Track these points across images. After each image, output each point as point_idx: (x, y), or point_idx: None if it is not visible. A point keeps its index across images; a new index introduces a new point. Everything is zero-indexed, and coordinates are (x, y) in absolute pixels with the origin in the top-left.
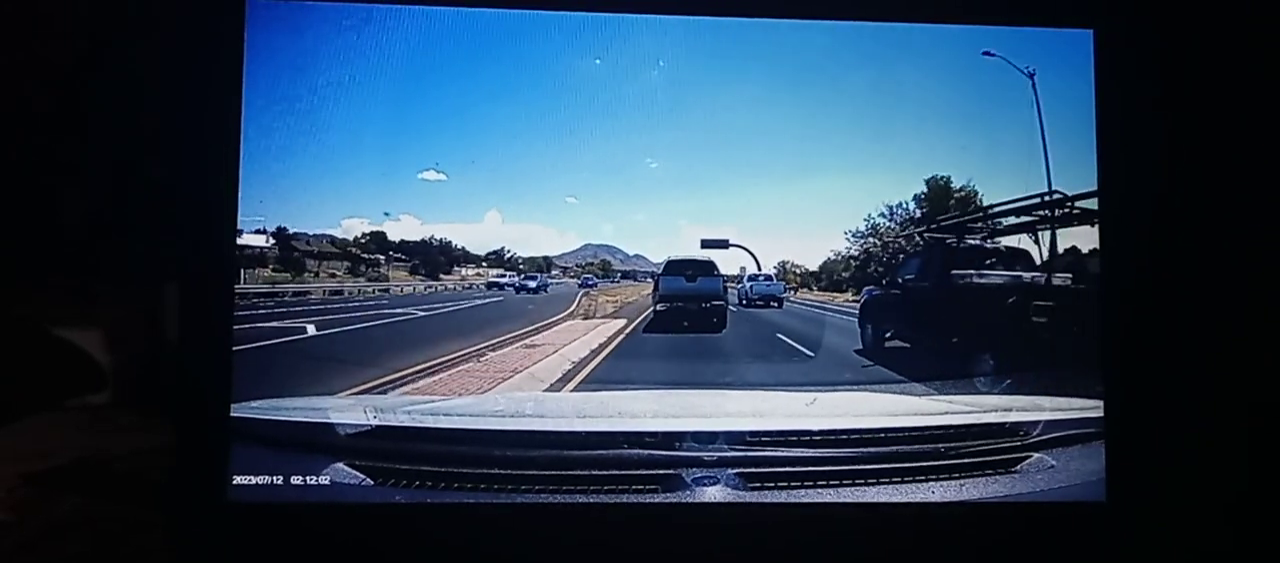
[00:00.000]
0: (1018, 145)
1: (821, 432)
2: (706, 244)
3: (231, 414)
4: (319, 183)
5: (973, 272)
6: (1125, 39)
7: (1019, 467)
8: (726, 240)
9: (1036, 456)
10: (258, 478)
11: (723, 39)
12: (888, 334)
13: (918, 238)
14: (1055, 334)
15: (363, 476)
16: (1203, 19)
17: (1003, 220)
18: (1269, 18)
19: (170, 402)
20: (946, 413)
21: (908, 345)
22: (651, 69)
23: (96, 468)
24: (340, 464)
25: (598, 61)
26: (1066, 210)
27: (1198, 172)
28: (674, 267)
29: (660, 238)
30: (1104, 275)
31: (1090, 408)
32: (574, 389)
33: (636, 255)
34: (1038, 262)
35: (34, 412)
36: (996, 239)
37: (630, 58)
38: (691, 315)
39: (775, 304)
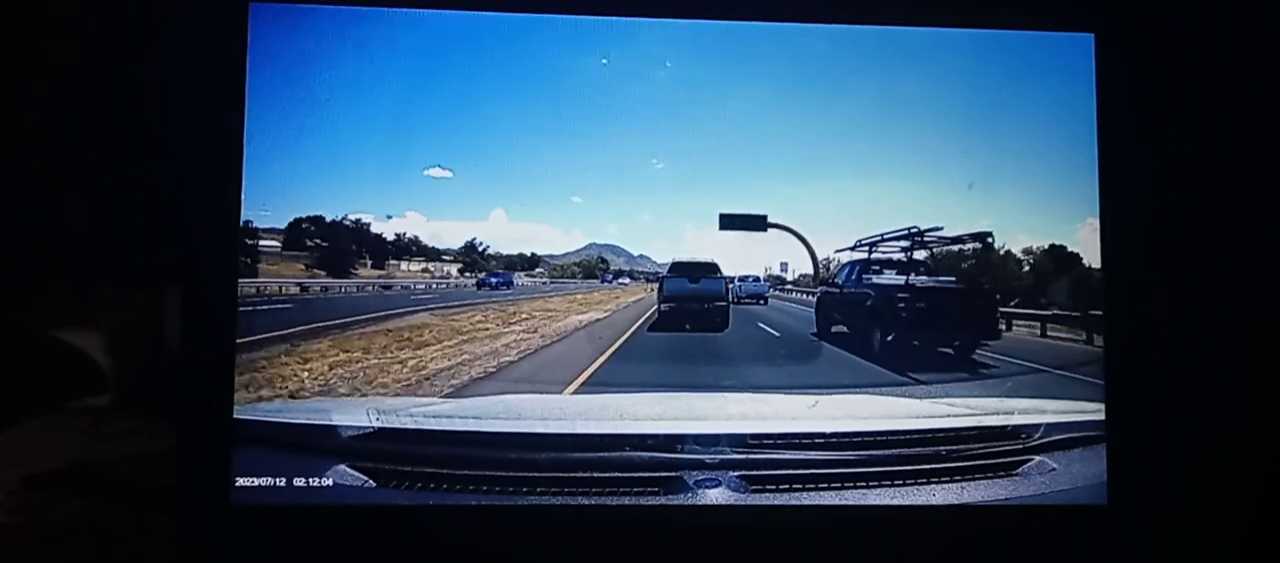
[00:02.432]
0: (1020, 149)
1: (823, 434)
2: (728, 222)
3: (235, 416)
4: (324, 181)
5: (873, 275)
6: (1126, 43)
7: (1020, 470)
8: (763, 218)
9: (1038, 458)
10: (261, 480)
11: (729, 42)
12: (833, 322)
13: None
14: (904, 316)
15: (365, 477)
16: (1203, 22)
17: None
18: (1269, 21)
19: (174, 404)
20: (948, 416)
21: (847, 330)
22: (658, 70)
23: (100, 471)
24: (343, 466)
25: (604, 62)
26: (921, 239)
27: (1199, 175)
28: (678, 268)
29: (665, 239)
30: (1106, 279)
31: (1092, 411)
32: (575, 391)
33: (641, 256)
34: (929, 268)
35: (38, 415)
36: (908, 252)
37: (637, 59)
38: (693, 316)
39: (762, 302)
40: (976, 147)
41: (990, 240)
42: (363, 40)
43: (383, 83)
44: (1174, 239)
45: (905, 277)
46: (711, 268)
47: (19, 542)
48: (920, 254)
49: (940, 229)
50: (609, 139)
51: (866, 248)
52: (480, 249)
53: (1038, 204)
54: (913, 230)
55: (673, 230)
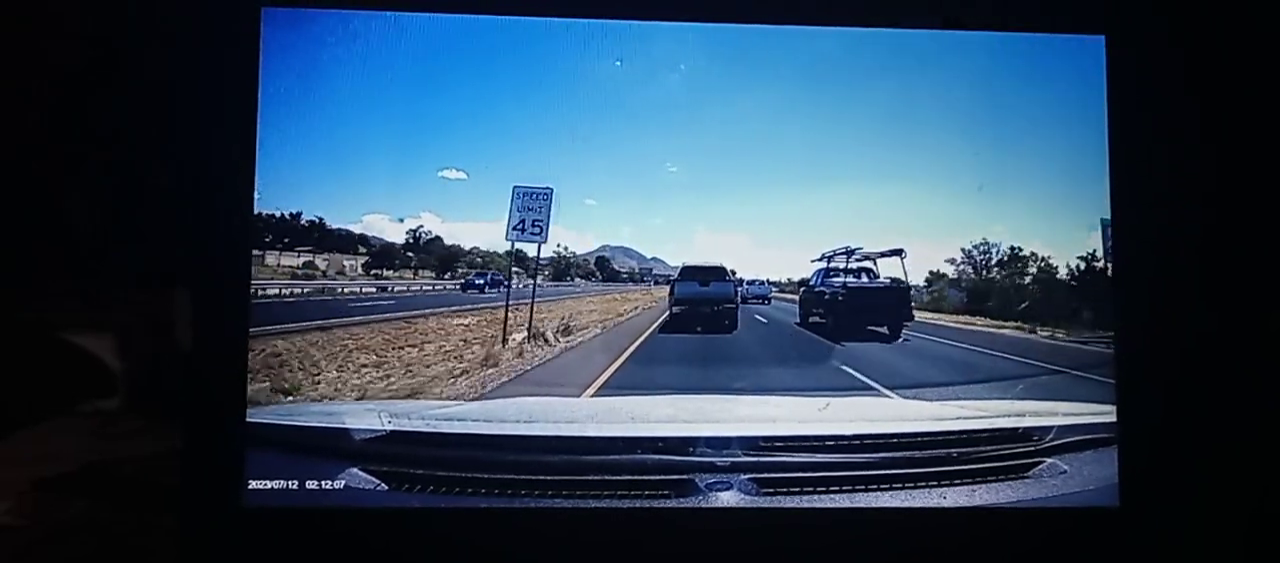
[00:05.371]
0: (1031, 152)
1: (834, 437)
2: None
3: (247, 419)
4: (337, 182)
5: (830, 279)
6: (1137, 45)
7: (1032, 472)
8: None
9: (1049, 461)
10: (273, 482)
11: (742, 46)
12: (810, 314)
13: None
14: (843, 306)
15: (377, 480)
16: (1213, 24)
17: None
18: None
19: (187, 407)
20: (959, 418)
21: (822, 321)
22: (671, 74)
23: (111, 473)
24: (355, 469)
25: (618, 64)
26: (854, 256)
27: (1209, 176)
28: (689, 272)
29: (676, 242)
30: (1117, 281)
31: (1103, 413)
32: (591, 395)
33: (654, 258)
34: (872, 273)
35: (44, 417)
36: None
37: (650, 62)
38: (703, 318)
39: (765, 302)
40: (987, 149)
41: (903, 253)
42: (375, 43)
43: (396, 85)
44: (1185, 241)
45: (845, 279)
46: (721, 271)
47: (20, 542)
48: (868, 264)
49: (862, 248)
50: (622, 142)
51: (826, 258)
52: (422, 239)
53: (1048, 206)
54: (848, 247)
55: (684, 233)
